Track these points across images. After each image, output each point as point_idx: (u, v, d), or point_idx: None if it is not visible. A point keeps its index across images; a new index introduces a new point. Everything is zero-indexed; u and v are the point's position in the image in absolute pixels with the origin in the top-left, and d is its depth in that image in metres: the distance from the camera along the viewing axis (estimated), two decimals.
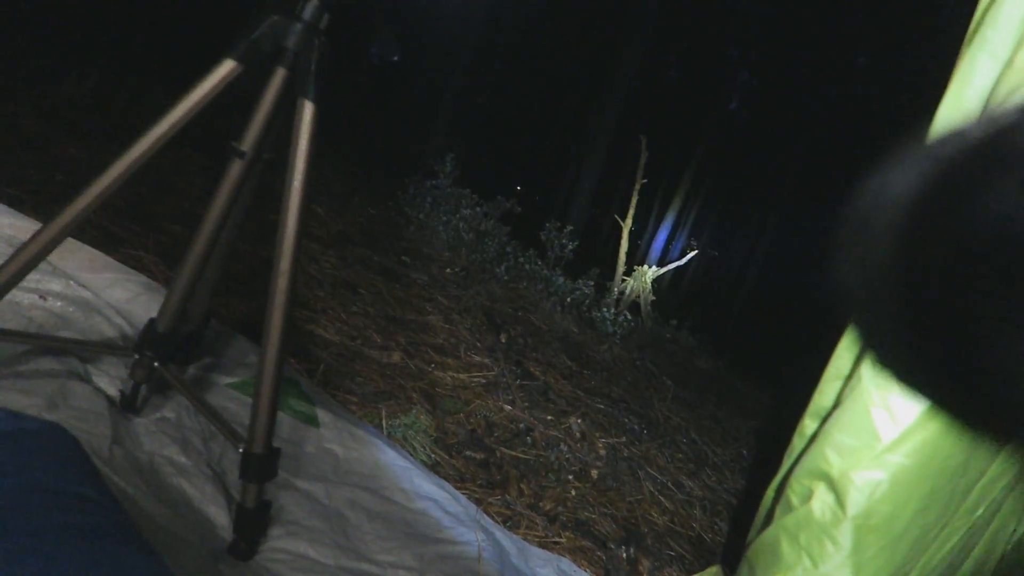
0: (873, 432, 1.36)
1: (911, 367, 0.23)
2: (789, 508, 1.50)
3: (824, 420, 1.54)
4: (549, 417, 2.70)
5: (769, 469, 1.79)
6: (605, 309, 4.61)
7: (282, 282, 1.12)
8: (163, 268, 2.00)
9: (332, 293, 2.69)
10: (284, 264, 1.12)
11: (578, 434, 2.61)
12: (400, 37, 1.37)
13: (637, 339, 4.75)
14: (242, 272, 2.27)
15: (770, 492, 1.74)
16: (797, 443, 1.66)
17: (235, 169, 1.16)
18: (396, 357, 2.40)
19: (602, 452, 2.57)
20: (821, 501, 1.43)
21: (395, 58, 1.38)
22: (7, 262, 1.07)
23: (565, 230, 4.82)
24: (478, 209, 4.82)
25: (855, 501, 1.37)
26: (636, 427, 2.99)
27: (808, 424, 1.64)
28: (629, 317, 4.81)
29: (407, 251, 3.81)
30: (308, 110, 1.11)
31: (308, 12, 1.11)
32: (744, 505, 2.68)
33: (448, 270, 3.90)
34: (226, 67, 1.09)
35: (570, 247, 4.83)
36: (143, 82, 4.10)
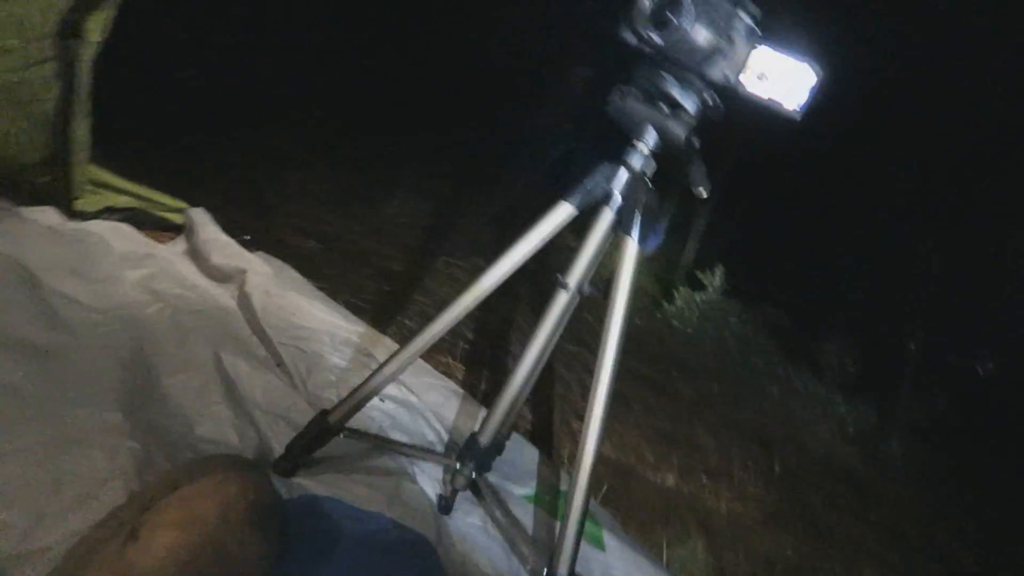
0: None
1: None
2: None
3: None
4: (837, 567, 2.40)
5: None
6: (893, 439, 4.05)
7: (598, 411, 1.16)
8: (465, 374, 2.21)
9: None
10: (601, 393, 1.17)
11: None
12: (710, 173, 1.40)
13: (931, 476, 4.07)
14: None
15: None
16: None
17: (559, 300, 1.26)
18: (671, 480, 2.34)
19: None
20: None
21: (704, 193, 1.41)
22: (371, 377, 1.26)
23: (848, 350, 4.41)
24: (744, 316, 4.63)
25: None
26: None
27: None
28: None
29: (675, 364, 3.76)
30: (631, 249, 1.17)
31: (636, 161, 1.19)
32: None
33: (715, 385, 3.76)
34: (562, 210, 1.21)
35: (851, 368, 4.38)
36: (442, 206, 4.74)
